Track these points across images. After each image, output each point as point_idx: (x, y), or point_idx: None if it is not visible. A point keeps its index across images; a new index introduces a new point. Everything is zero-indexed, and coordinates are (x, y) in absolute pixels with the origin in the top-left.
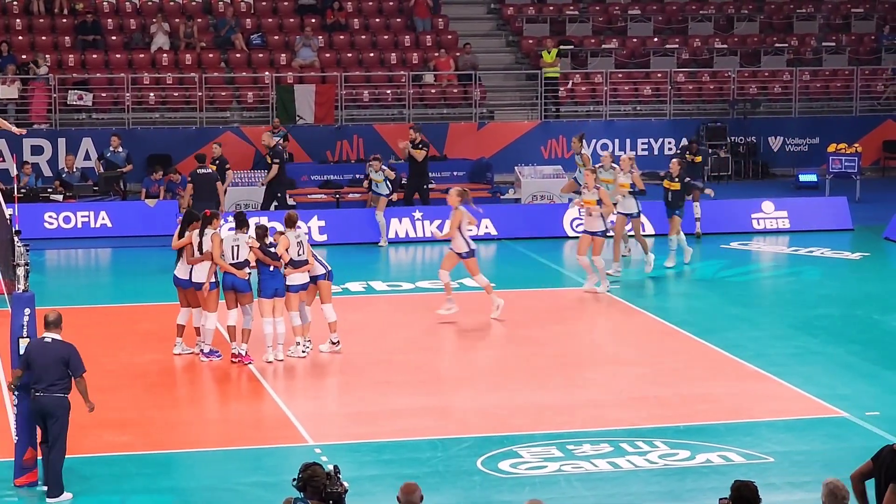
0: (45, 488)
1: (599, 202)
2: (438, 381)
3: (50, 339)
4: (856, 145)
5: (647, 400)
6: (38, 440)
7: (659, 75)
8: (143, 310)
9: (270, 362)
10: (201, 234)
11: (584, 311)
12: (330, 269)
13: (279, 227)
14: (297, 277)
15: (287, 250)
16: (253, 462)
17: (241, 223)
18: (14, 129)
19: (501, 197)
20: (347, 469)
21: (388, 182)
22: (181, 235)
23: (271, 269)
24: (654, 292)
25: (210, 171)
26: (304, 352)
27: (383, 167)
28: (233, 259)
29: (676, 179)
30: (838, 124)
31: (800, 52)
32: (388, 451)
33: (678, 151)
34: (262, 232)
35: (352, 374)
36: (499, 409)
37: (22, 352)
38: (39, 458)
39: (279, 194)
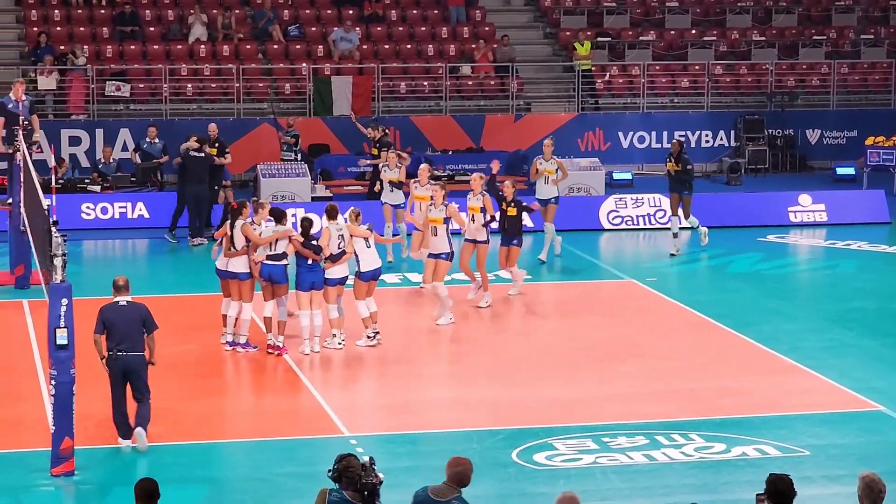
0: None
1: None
2: (473, 373)
3: (125, 302)
4: (894, 138)
5: (682, 392)
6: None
7: (696, 67)
8: (179, 300)
9: (307, 354)
10: (231, 227)
11: (619, 304)
12: (361, 269)
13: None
14: (335, 271)
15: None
16: (288, 453)
17: (279, 217)
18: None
19: None
20: (382, 460)
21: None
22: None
23: (309, 262)
24: (689, 285)
25: (204, 154)
26: (340, 344)
27: (399, 160)
28: (271, 251)
29: (512, 204)
30: (876, 117)
31: (838, 45)
32: (422, 443)
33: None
34: (307, 225)
35: (387, 366)
36: (534, 401)
37: (98, 318)
38: (75, 447)
39: (216, 187)
